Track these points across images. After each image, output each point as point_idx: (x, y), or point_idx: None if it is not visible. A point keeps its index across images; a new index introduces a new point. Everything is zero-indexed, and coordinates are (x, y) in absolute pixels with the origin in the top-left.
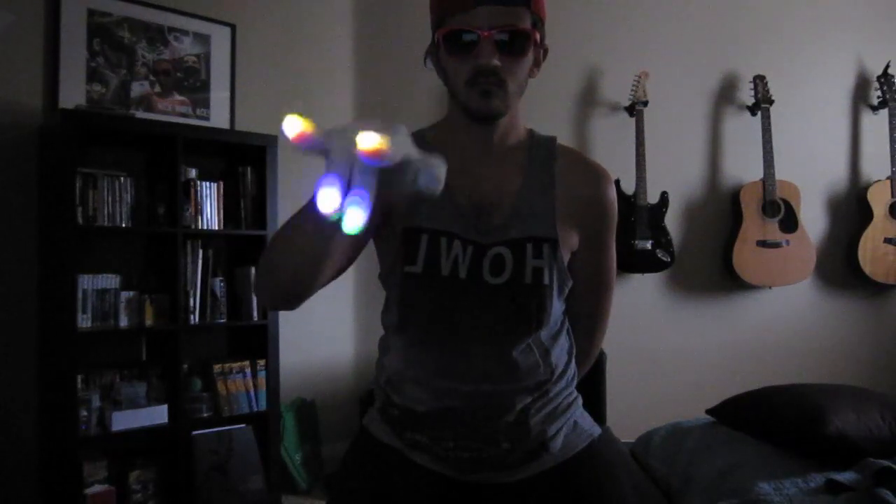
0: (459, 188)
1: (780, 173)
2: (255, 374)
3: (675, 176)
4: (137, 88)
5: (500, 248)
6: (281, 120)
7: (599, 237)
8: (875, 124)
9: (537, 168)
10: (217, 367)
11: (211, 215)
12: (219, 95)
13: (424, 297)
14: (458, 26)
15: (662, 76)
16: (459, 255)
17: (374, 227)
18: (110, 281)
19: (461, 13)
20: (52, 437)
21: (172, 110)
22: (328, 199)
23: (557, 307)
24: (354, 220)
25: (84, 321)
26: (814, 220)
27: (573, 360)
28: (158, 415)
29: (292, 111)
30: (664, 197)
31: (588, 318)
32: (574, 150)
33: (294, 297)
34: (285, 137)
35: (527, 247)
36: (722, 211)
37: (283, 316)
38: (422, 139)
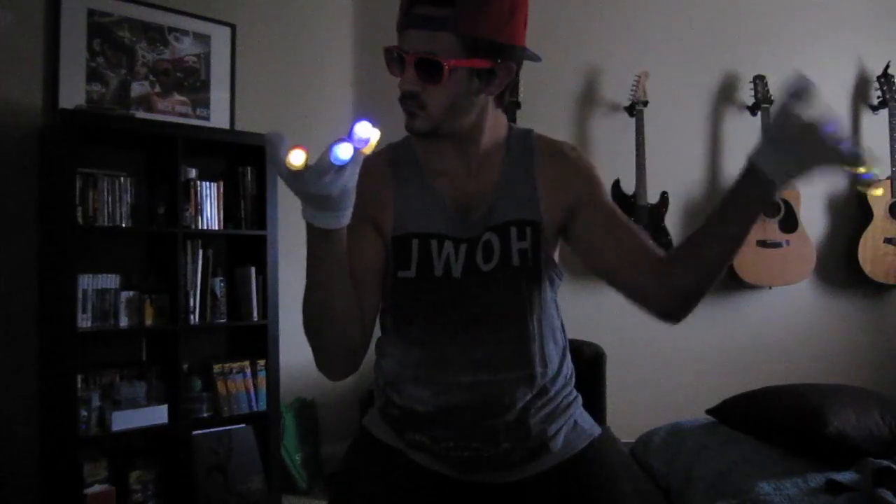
0: (444, 191)
1: None
2: (255, 374)
3: (675, 176)
4: (137, 88)
5: (488, 234)
6: (282, 120)
7: (592, 197)
8: (875, 124)
9: (515, 159)
10: (217, 367)
11: (211, 215)
12: (219, 95)
13: (419, 300)
14: (393, 46)
15: (662, 76)
16: (451, 255)
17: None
18: (110, 281)
19: (400, 33)
20: (52, 437)
21: (172, 110)
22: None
23: (548, 295)
24: (343, 151)
25: (84, 321)
26: (814, 220)
27: (568, 359)
28: (158, 415)
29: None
30: (664, 197)
31: (645, 255)
32: (545, 136)
33: (349, 342)
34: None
35: (511, 230)
36: None
37: (283, 316)
38: (408, 145)
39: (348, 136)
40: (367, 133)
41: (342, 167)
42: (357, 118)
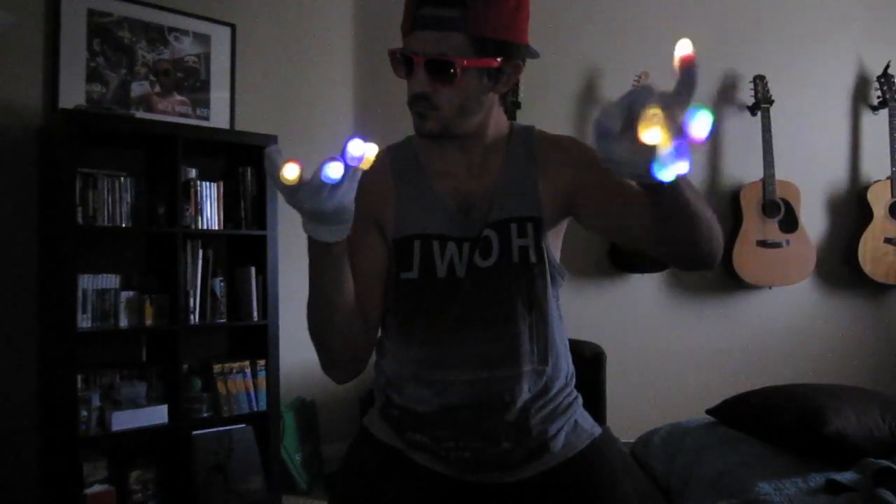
0: (445, 191)
1: (780, 173)
2: (255, 374)
3: None
4: (137, 88)
5: (487, 230)
6: (281, 120)
7: (598, 179)
8: (875, 124)
9: (517, 156)
10: (217, 367)
11: (211, 215)
12: (219, 95)
13: (421, 300)
14: (398, 48)
15: (662, 76)
16: (455, 256)
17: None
18: (110, 281)
19: (406, 36)
20: (52, 437)
21: (172, 110)
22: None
23: (549, 293)
24: (334, 170)
25: (84, 321)
26: (814, 220)
27: (569, 358)
28: (158, 415)
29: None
30: None
31: None
32: (547, 132)
33: (354, 346)
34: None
35: (511, 227)
36: (722, 211)
37: (283, 316)
38: (409, 146)
39: (341, 155)
40: (360, 151)
41: (336, 185)
42: (350, 136)
